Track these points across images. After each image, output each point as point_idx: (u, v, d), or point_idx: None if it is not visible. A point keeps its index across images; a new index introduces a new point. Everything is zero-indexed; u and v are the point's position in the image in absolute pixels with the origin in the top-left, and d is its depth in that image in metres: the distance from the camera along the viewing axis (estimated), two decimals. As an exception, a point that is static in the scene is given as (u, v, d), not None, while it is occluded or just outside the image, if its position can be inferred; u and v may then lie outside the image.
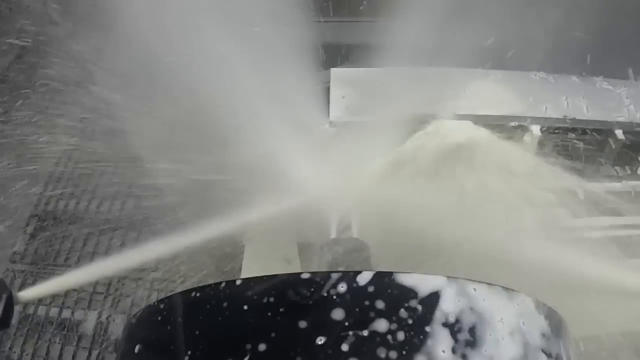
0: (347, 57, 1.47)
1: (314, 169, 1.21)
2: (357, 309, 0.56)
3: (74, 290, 2.27)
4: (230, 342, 0.56)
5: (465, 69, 1.42)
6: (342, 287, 0.57)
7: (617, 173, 1.43)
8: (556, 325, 0.64)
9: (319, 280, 0.58)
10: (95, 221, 2.56)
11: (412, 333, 0.54)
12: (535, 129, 1.33)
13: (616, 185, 1.39)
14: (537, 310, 0.62)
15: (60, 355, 2.14)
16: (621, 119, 1.34)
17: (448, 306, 0.56)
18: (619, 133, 1.35)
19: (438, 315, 0.56)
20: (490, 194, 1.24)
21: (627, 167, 1.43)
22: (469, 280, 0.59)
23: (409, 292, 0.57)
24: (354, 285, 0.57)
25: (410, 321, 0.55)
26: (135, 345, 0.65)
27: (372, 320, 0.55)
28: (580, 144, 1.37)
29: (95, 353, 2.14)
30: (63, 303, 2.27)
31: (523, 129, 1.34)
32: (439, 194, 1.21)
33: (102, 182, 2.62)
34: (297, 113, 1.29)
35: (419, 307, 0.56)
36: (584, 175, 1.34)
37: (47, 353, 2.14)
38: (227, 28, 1.26)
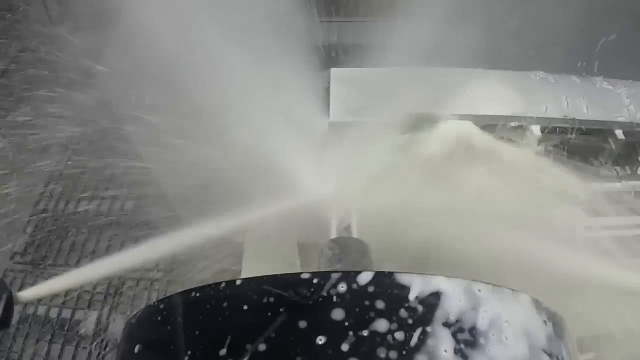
0: (347, 57, 1.47)
1: (314, 169, 1.21)
2: (357, 309, 0.56)
3: (74, 290, 2.26)
4: (230, 342, 0.56)
5: (465, 69, 1.42)
6: (342, 287, 0.57)
7: (617, 173, 1.43)
8: (557, 325, 0.64)
9: (319, 280, 0.58)
10: (96, 221, 2.56)
11: (412, 333, 0.54)
12: (535, 129, 1.33)
13: (616, 185, 1.38)
14: (538, 310, 0.62)
15: (60, 355, 2.14)
16: (621, 119, 1.34)
17: (449, 306, 0.56)
18: (619, 133, 1.35)
19: (439, 315, 0.56)
20: (490, 194, 1.24)
21: (627, 167, 1.43)
22: (469, 280, 0.59)
23: (409, 292, 0.57)
24: (354, 285, 0.57)
25: (410, 321, 0.55)
26: (135, 345, 0.65)
27: (372, 320, 0.55)
28: (580, 144, 1.36)
29: (95, 353, 2.14)
30: (63, 303, 2.27)
31: (523, 129, 1.34)
32: (439, 194, 1.21)
33: (102, 182, 2.63)
34: (296, 113, 1.29)
35: (419, 307, 0.56)
36: (584, 175, 1.34)
37: (47, 353, 2.14)
38: (227, 28, 1.26)
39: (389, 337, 0.54)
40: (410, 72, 1.36)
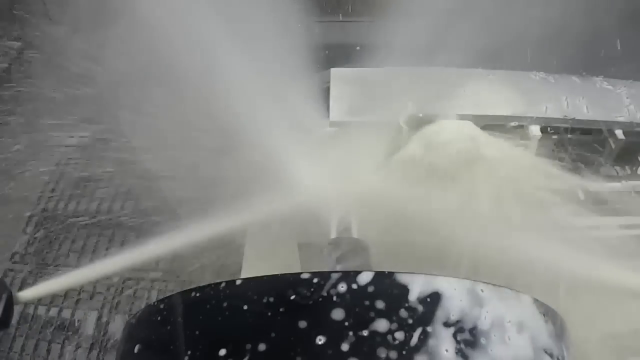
0: (347, 57, 1.46)
1: (314, 169, 1.21)
2: (357, 309, 0.56)
3: (74, 290, 2.26)
4: (230, 342, 0.56)
5: (465, 69, 1.42)
6: (342, 287, 0.57)
7: (617, 173, 1.43)
8: (557, 325, 0.64)
9: (319, 280, 0.58)
10: (96, 221, 2.56)
11: (412, 333, 0.54)
12: (535, 129, 1.33)
13: (616, 185, 1.38)
14: (539, 310, 0.62)
15: (60, 355, 2.13)
16: (621, 119, 1.34)
17: (450, 306, 0.56)
18: (619, 133, 1.35)
19: (439, 315, 0.56)
20: (489, 195, 1.24)
21: (627, 167, 1.43)
22: (470, 280, 0.59)
23: (409, 292, 0.57)
24: (354, 285, 0.57)
25: (410, 321, 0.55)
26: (135, 345, 0.65)
27: (372, 320, 0.55)
28: (580, 144, 1.36)
29: (95, 353, 2.14)
30: (63, 303, 2.27)
31: (523, 129, 1.34)
32: (439, 194, 1.21)
33: (102, 182, 2.62)
34: (296, 113, 1.29)
35: (420, 307, 0.56)
36: (584, 175, 1.34)
37: (47, 353, 2.14)
38: (227, 28, 1.26)
39: (389, 337, 0.54)
40: (410, 72, 1.36)
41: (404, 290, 0.57)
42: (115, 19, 1.41)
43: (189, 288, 0.63)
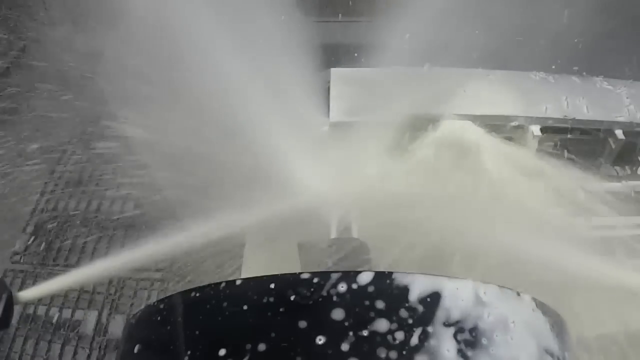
0: (347, 57, 1.47)
1: (314, 169, 1.21)
2: (357, 309, 0.56)
3: (74, 290, 2.26)
4: (230, 342, 0.56)
5: (465, 69, 1.42)
6: (342, 287, 0.57)
7: (617, 173, 1.43)
8: (558, 325, 0.64)
9: (319, 280, 0.58)
10: (96, 221, 2.56)
11: (412, 333, 0.54)
12: (535, 129, 1.33)
13: (616, 185, 1.38)
14: (540, 310, 0.62)
15: (60, 355, 2.13)
16: (621, 119, 1.34)
17: (450, 306, 0.56)
18: (619, 133, 1.35)
19: (440, 315, 0.56)
20: (490, 193, 1.24)
21: (627, 167, 1.43)
22: (470, 280, 0.59)
23: (409, 292, 0.57)
24: (354, 285, 0.57)
25: (410, 321, 0.55)
26: (135, 345, 0.65)
27: (372, 320, 0.55)
28: (580, 144, 1.36)
29: (95, 353, 2.14)
30: (63, 303, 2.27)
31: (523, 129, 1.34)
32: (439, 193, 1.21)
33: (102, 182, 2.62)
34: (296, 113, 1.29)
35: (420, 307, 0.56)
36: (584, 175, 1.34)
37: (47, 353, 2.13)
38: (226, 28, 1.26)
39: (389, 337, 0.54)
40: (410, 72, 1.36)
41: (404, 290, 0.57)
42: (114, 18, 1.41)
43: (189, 288, 0.63)
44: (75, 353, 2.15)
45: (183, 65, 1.30)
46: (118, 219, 2.49)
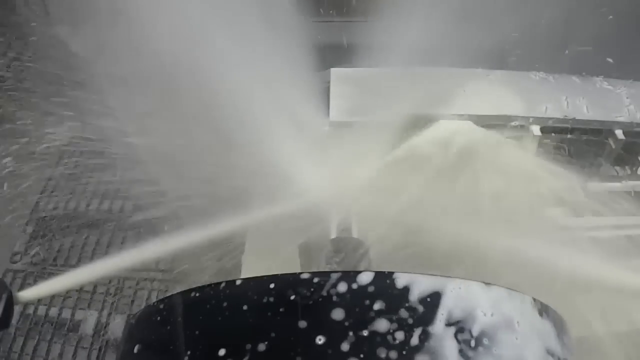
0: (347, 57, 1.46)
1: (314, 169, 1.21)
2: (357, 309, 0.56)
3: (74, 290, 2.27)
4: (230, 342, 0.56)
5: (465, 69, 1.42)
6: (342, 287, 0.57)
7: (617, 173, 1.43)
8: (558, 325, 0.64)
9: (319, 280, 0.58)
10: (96, 221, 2.56)
11: (412, 333, 0.54)
12: (535, 129, 1.33)
13: (616, 185, 1.38)
14: (540, 310, 0.62)
15: (60, 355, 2.13)
16: (621, 119, 1.34)
17: (450, 306, 0.56)
18: (619, 133, 1.35)
19: (440, 316, 0.56)
20: (490, 194, 1.24)
21: (627, 167, 1.43)
22: (470, 280, 0.59)
23: (409, 292, 0.57)
24: (354, 285, 0.57)
25: (410, 321, 0.55)
26: (135, 345, 0.65)
27: (372, 320, 0.55)
28: (580, 144, 1.36)
29: (95, 353, 2.14)
30: (63, 303, 2.27)
31: (523, 129, 1.34)
32: (439, 195, 1.21)
33: (102, 182, 2.62)
34: (296, 113, 1.29)
35: (420, 307, 0.56)
36: (584, 175, 1.34)
37: (47, 353, 2.14)
38: (226, 28, 1.26)
39: (389, 337, 0.54)
40: (410, 72, 1.36)
41: (404, 290, 0.57)
42: (113, 18, 1.41)
43: (189, 288, 0.63)
44: (75, 353, 2.15)
45: (181, 65, 1.30)
46: (117, 218, 2.49)
